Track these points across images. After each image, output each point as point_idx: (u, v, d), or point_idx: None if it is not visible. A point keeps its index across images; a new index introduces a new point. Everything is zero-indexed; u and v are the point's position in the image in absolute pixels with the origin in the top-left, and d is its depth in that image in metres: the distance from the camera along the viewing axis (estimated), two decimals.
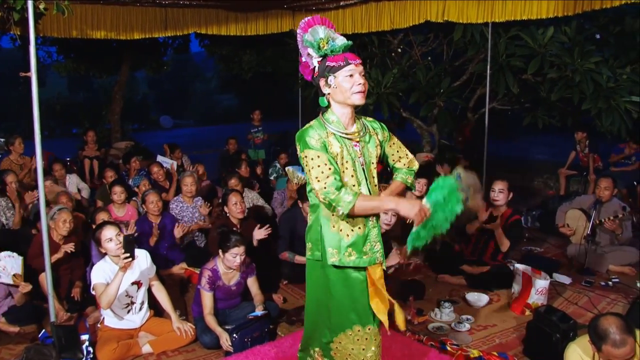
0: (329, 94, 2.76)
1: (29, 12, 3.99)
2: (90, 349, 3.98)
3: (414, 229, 2.75)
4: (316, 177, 2.64)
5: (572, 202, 6.38)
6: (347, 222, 2.73)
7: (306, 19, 2.80)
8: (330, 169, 2.65)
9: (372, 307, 2.83)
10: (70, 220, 4.98)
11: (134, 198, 6.59)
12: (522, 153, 12.82)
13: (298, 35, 2.81)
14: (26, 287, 3.90)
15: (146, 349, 4.21)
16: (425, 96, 8.81)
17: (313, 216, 2.84)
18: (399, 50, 9.53)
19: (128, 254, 3.91)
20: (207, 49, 13.46)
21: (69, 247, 4.82)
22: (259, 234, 5.21)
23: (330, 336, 2.91)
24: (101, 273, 4.11)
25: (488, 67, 7.51)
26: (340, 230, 2.74)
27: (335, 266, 2.76)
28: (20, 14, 4.45)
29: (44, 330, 4.20)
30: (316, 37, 2.72)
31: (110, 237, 4.16)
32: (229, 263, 4.37)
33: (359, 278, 2.81)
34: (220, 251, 4.40)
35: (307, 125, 2.77)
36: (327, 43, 2.71)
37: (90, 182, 8.32)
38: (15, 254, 4.51)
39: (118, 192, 6.05)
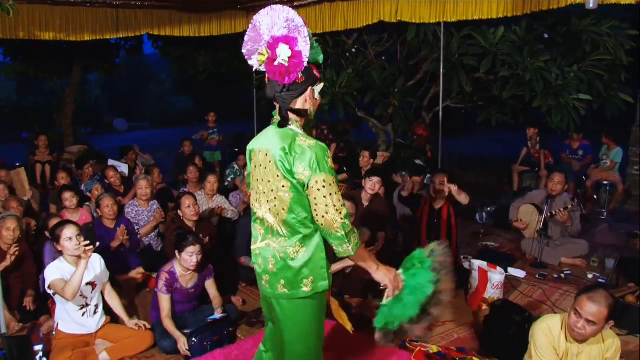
0: (310, 105, 2.54)
1: None
2: (45, 359, 3.87)
3: (385, 301, 2.64)
4: (334, 206, 2.40)
5: (524, 197, 6.53)
6: (326, 247, 2.58)
7: (292, 10, 2.44)
8: (342, 197, 2.46)
9: (338, 319, 2.80)
10: (15, 227, 4.77)
11: (86, 203, 6.45)
12: (477, 150, 13.07)
13: (301, 28, 2.41)
14: None
15: (103, 356, 4.09)
16: (380, 96, 8.89)
17: (306, 248, 2.53)
18: (354, 50, 9.59)
19: (88, 242, 3.83)
20: (161, 51, 13.29)
21: (13, 251, 4.64)
22: None
23: None
24: (57, 271, 4.01)
25: (441, 66, 7.62)
26: (326, 256, 2.60)
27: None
28: None
29: None
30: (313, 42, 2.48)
31: (70, 237, 4.06)
32: (185, 263, 4.33)
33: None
34: (176, 252, 4.36)
35: (306, 142, 2.43)
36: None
37: (42, 187, 8.10)
38: None
39: (69, 197, 5.90)
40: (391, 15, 7.24)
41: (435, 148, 7.97)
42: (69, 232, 4.08)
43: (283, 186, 2.47)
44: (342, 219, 2.41)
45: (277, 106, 2.52)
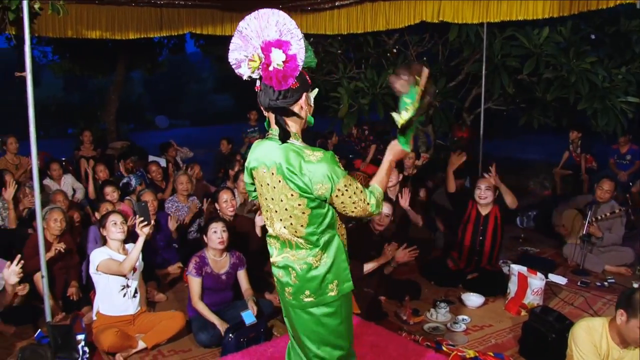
0: (305, 112, 2.47)
1: (24, 12, 3.98)
2: (86, 348, 3.97)
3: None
4: (360, 200, 2.41)
5: (568, 202, 6.40)
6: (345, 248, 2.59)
7: (282, 13, 2.35)
8: (359, 183, 2.45)
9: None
10: (62, 219, 4.99)
11: (127, 197, 6.58)
12: (518, 153, 12.85)
13: (294, 31, 2.32)
14: (23, 289, 3.89)
15: (140, 345, 4.21)
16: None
17: (328, 254, 2.51)
18: (395, 50, 9.54)
19: (143, 218, 4.05)
20: (203, 49, 13.47)
21: (60, 246, 4.81)
22: (261, 219, 5.14)
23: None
24: (102, 254, 4.24)
25: (483, 67, 7.51)
26: (346, 256, 2.59)
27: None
28: (15, 14, 4.44)
29: (40, 330, 4.19)
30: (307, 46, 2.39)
31: (115, 221, 4.32)
32: (212, 243, 4.44)
33: None
34: (204, 237, 4.49)
35: (315, 156, 2.37)
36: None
37: (85, 182, 8.29)
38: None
39: (110, 192, 6.05)
40: (433, 16, 7.16)
41: (476, 150, 7.86)
42: (115, 217, 4.35)
43: (299, 204, 2.42)
44: (368, 203, 2.43)
45: (272, 117, 2.45)
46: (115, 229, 4.31)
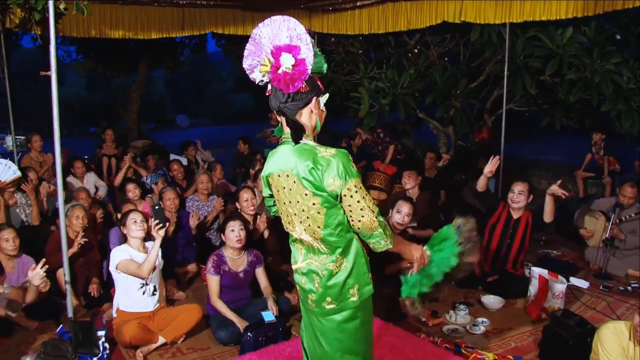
0: (316, 116, 2.48)
1: (49, 12, 4.04)
2: (107, 344, 4.01)
3: (410, 275, 2.76)
4: (368, 207, 2.38)
5: (591, 204, 6.31)
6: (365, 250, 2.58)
7: (293, 19, 2.39)
8: (367, 194, 2.43)
9: None
10: (84, 216, 5.07)
11: (149, 195, 6.65)
12: (540, 155, 12.72)
13: (303, 36, 2.35)
14: (46, 286, 3.96)
15: (160, 340, 4.27)
16: (441, 97, 8.79)
17: (347, 259, 2.50)
18: (416, 50, 9.51)
19: (158, 221, 4.14)
20: (224, 49, 13.54)
21: (81, 240, 4.87)
22: (262, 221, 5.29)
23: None
24: (123, 253, 4.30)
25: (505, 68, 7.44)
26: (366, 259, 2.59)
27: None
28: (41, 14, 4.51)
29: (61, 326, 4.25)
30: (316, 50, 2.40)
31: (135, 220, 4.39)
32: (230, 241, 4.47)
33: None
34: (222, 235, 4.53)
35: (328, 152, 2.37)
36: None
37: (107, 180, 8.39)
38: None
39: (132, 189, 6.13)
40: (455, 16, 7.12)
41: (497, 152, 7.79)
42: (135, 216, 4.43)
43: (314, 204, 2.41)
44: (376, 217, 2.40)
45: (283, 120, 2.46)
46: (135, 227, 4.37)
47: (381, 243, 2.46)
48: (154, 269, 4.33)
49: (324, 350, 2.58)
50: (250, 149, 9.60)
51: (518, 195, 5.29)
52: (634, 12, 7.41)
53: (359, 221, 2.39)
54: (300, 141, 2.41)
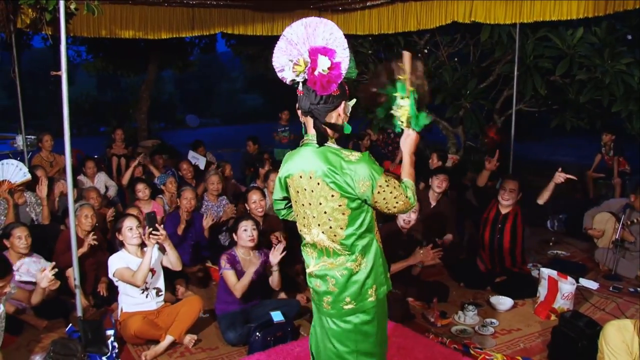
0: (342, 119, 2.50)
1: (60, 12, 4.06)
2: (116, 344, 4.03)
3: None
4: (400, 194, 2.43)
5: (600, 205, 6.28)
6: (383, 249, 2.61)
7: (330, 22, 2.41)
8: (394, 178, 2.48)
9: None
10: (92, 215, 5.11)
11: (159, 195, 6.67)
12: (549, 155, 12.66)
13: (340, 40, 2.38)
14: (55, 284, 3.98)
15: (169, 339, 4.22)
16: (451, 97, 8.77)
17: (367, 258, 2.52)
18: (426, 51, 9.50)
19: (151, 229, 4.16)
20: (233, 49, 13.57)
21: (91, 239, 4.90)
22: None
23: None
24: (120, 260, 4.32)
25: (515, 68, 7.42)
26: (383, 259, 2.61)
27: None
28: (52, 14, 4.54)
29: (70, 325, 4.27)
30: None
31: (131, 226, 4.38)
32: (242, 241, 4.49)
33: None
34: (234, 235, 4.54)
35: (354, 156, 2.41)
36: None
37: (117, 179, 8.44)
38: (40, 259, 4.67)
39: (142, 189, 6.15)
40: (465, 16, 7.11)
41: (507, 152, 7.77)
42: (129, 222, 4.41)
43: (340, 205, 2.44)
44: (407, 196, 2.47)
45: (309, 122, 2.48)
46: (130, 234, 4.37)
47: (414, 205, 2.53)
48: (154, 272, 4.37)
49: (337, 352, 2.57)
50: (259, 149, 9.62)
51: (509, 193, 5.37)
52: None
53: (395, 207, 2.46)
54: (325, 144, 2.45)
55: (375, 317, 2.56)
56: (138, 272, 4.17)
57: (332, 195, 2.43)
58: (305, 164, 2.48)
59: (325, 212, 2.47)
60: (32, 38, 12.65)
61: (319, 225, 2.51)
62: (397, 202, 2.44)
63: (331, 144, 2.47)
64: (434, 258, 4.89)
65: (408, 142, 2.62)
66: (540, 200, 5.24)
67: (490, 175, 6.10)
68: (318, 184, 2.44)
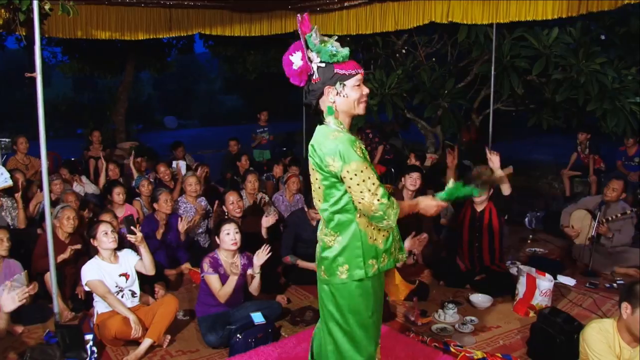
0: (333, 102, 2.61)
1: (34, 12, 4.01)
2: (95, 348, 3.99)
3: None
4: (368, 190, 2.48)
5: (577, 202, 6.36)
6: (380, 230, 2.66)
7: (304, 16, 2.59)
8: (376, 179, 2.53)
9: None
10: (74, 217, 5.05)
11: (137, 198, 6.60)
12: (527, 154, 12.80)
13: (311, 31, 2.57)
14: (33, 289, 3.90)
15: (148, 342, 4.15)
16: (429, 97, 8.82)
17: (342, 237, 2.65)
18: (403, 51, 9.54)
19: (130, 233, 4.18)
20: (212, 50, 13.47)
21: (76, 247, 4.86)
22: (266, 221, 5.33)
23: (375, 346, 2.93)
24: (91, 271, 4.24)
25: (492, 68, 7.49)
26: (375, 240, 2.67)
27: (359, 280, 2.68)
28: (25, 15, 4.46)
29: (48, 330, 4.21)
30: (327, 42, 2.59)
31: (106, 231, 4.32)
32: (225, 244, 4.44)
33: (379, 282, 2.82)
34: (216, 238, 4.51)
35: (335, 136, 2.54)
36: (337, 49, 2.61)
37: (94, 181, 8.34)
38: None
39: (118, 193, 6.06)
40: (442, 16, 7.15)
41: (484, 151, 7.83)
42: (104, 227, 4.34)
43: (317, 178, 2.65)
44: (378, 200, 2.50)
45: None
46: (106, 238, 4.30)
47: (383, 223, 2.58)
48: (127, 276, 4.35)
49: (326, 309, 2.77)
50: (240, 149, 9.59)
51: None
52: (618, 13, 7.50)
53: (360, 202, 2.53)
54: (324, 122, 2.64)
55: (346, 294, 2.69)
56: (109, 295, 4.18)
57: (312, 169, 2.67)
58: (314, 138, 2.68)
59: (312, 183, 2.73)
60: (5, 39, 12.44)
61: (314, 193, 2.76)
62: (362, 198, 2.50)
63: (330, 123, 2.62)
64: (422, 243, 4.80)
65: (432, 204, 2.80)
66: (505, 192, 5.25)
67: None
68: (310, 157, 2.68)
